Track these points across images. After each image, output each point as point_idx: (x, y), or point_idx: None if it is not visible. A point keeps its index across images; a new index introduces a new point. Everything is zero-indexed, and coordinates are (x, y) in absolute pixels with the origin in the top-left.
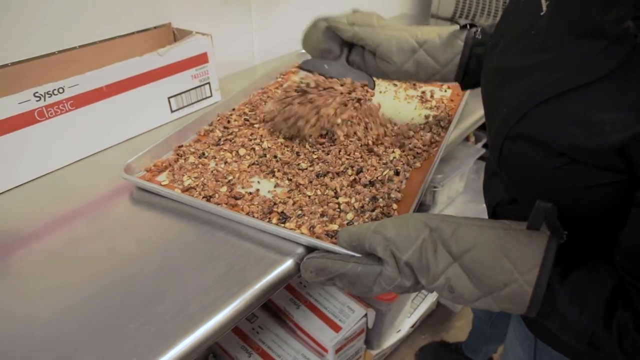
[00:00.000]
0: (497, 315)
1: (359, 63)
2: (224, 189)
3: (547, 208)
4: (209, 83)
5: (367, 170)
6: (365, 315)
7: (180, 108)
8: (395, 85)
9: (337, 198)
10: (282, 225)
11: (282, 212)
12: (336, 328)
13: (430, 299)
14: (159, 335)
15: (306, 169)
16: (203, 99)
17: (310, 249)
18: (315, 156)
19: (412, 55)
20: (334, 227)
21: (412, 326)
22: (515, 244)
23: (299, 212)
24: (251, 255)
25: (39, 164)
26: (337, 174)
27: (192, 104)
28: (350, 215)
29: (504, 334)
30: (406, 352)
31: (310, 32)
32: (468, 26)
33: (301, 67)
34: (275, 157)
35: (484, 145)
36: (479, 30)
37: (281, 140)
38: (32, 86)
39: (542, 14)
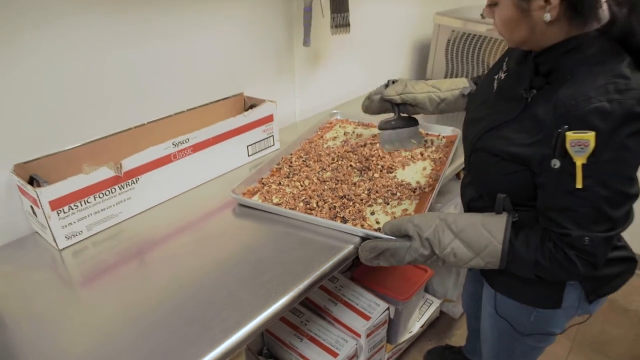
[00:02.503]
0: (477, 310)
1: (406, 111)
2: (301, 204)
3: (503, 198)
4: (272, 136)
5: (392, 191)
6: (388, 309)
7: (254, 153)
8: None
9: (374, 207)
10: (344, 224)
11: (343, 217)
12: (366, 318)
13: (434, 306)
14: (245, 307)
15: (356, 193)
16: (269, 147)
17: (364, 239)
18: (362, 184)
19: (437, 107)
20: (377, 222)
21: (422, 327)
22: (489, 221)
23: (353, 217)
24: (324, 245)
25: (170, 190)
26: (377, 194)
27: (262, 150)
28: (381, 216)
29: None
30: (416, 356)
31: (369, 104)
32: (466, 95)
33: (380, 128)
34: (333, 182)
35: None
36: (474, 89)
37: (329, 174)
38: (155, 140)
39: (493, 91)
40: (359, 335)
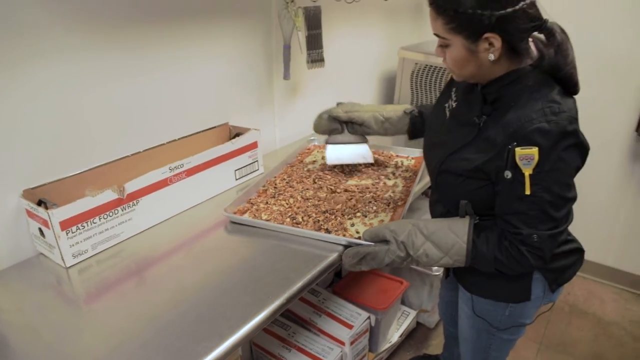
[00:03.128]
0: (455, 318)
1: (353, 130)
2: (288, 219)
3: (465, 204)
4: (257, 161)
5: (369, 204)
6: (369, 317)
7: (241, 177)
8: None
9: (353, 219)
10: (328, 234)
11: (327, 228)
12: (349, 326)
13: (411, 317)
14: (246, 307)
15: (335, 206)
16: (254, 171)
17: (346, 247)
18: (341, 198)
19: (382, 125)
20: (357, 232)
21: (400, 336)
22: (455, 224)
23: (335, 228)
24: (311, 254)
25: (167, 211)
26: (355, 208)
27: (248, 174)
28: (360, 227)
29: None
30: None
31: (318, 122)
32: (409, 112)
33: (327, 142)
34: (316, 200)
35: None
36: (417, 111)
37: (311, 192)
38: (151, 166)
39: (446, 118)
40: (343, 343)
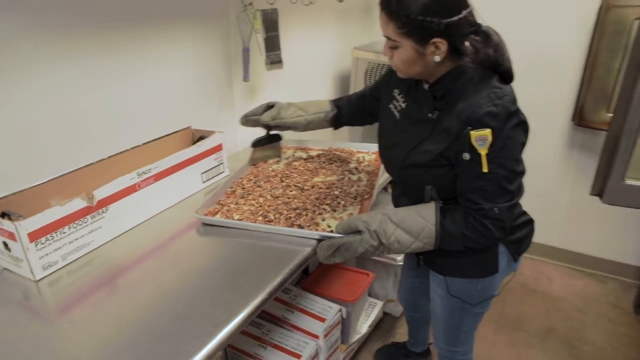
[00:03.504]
0: (417, 303)
1: (278, 130)
2: (260, 218)
3: (430, 189)
4: (222, 163)
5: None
6: (340, 310)
7: (208, 180)
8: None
9: (324, 214)
10: (301, 229)
11: (299, 224)
12: (322, 320)
13: (378, 308)
14: (230, 304)
15: (305, 203)
16: (220, 174)
17: (319, 241)
18: (310, 195)
19: (306, 126)
20: (329, 226)
21: (369, 327)
22: (422, 209)
23: (308, 223)
24: (286, 250)
25: (137, 217)
26: (324, 203)
27: (214, 177)
28: (331, 222)
29: (427, 316)
30: (366, 356)
31: (245, 122)
32: (330, 112)
33: (253, 145)
34: (285, 198)
35: None
36: (335, 112)
37: (280, 191)
38: (116, 173)
39: (397, 118)
40: (317, 337)
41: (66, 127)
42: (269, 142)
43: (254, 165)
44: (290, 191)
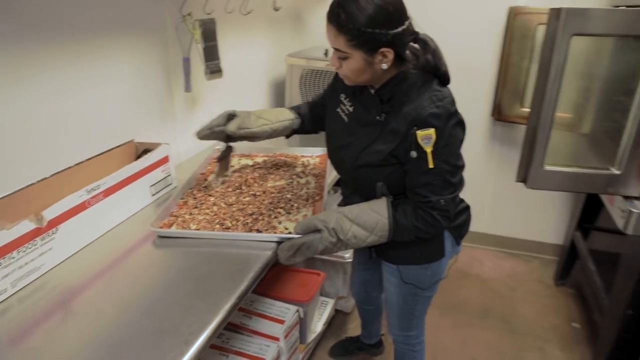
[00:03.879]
0: (370, 295)
1: (240, 139)
2: (217, 226)
3: (381, 185)
4: (170, 174)
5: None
6: (298, 310)
7: (156, 193)
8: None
9: (279, 218)
10: (261, 233)
11: (257, 229)
12: (281, 322)
13: (330, 305)
14: (202, 311)
15: (260, 208)
16: (168, 186)
17: (279, 243)
18: (264, 201)
19: (270, 135)
20: (286, 228)
21: (324, 324)
22: (375, 204)
23: (265, 227)
24: (248, 255)
25: (88, 235)
26: (278, 207)
27: (162, 189)
28: (287, 224)
29: (379, 308)
30: (321, 354)
31: (209, 134)
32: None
33: (219, 159)
34: (240, 204)
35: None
36: (299, 121)
37: (233, 198)
38: (60, 192)
39: (345, 122)
40: (277, 339)
41: (2, 147)
42: (228, 154)
43: (202, 174)
44: (244, 197)
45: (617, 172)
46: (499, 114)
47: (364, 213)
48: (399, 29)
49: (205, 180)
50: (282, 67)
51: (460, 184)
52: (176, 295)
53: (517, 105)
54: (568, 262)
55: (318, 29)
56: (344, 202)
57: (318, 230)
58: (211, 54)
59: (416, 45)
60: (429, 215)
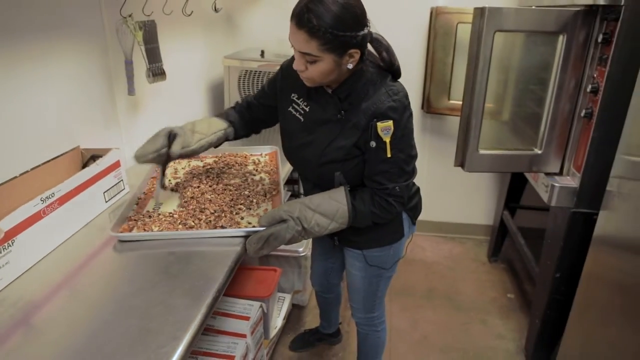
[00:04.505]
0: (331, 283)
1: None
2: (180, 226)
3: (339, 175)
4: (122, 180)
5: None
6: (261, 305)
7: (110, 199)
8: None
9: (241, 214)
10: (226, 229)
11: (222, 225)
12: (246, 319)
13: (287, 300)
14: (185, 308)
15: (221, 206)
16: (121, 191)
17: (246, 237)
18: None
19: (205, 150)
20: (249, 222)
21: (284, 319)
22: (334, 193)
23: (229, 224)
24: (217, 251)
25: (45, 246)
26: (238, 204)
27: (115, 195)
28: (250, 219)
29: (338, 296)
30: (282, 349)
31: (155, 157)
32: (227, 128)
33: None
34: (199, 205)
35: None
36: (234, 131)
37: (190, 199)
38: (7, 203)
39: (301, 121)
40: (244, 336)
41: None
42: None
43: (153, 177)
44: (204, 196)
45: (539, 152)
46: (428, 106)
47: (324, 202)
48: (365, 30)
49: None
50: (220, 68)
51: (413, 172)
52: (153, 295)
53: (445, 97)
54: (499, 239)
55: (252, 30)
56: (306, 195)
57: (284, 221)
58: (153, 56)
59: (373, 44)
60: (384, 202)
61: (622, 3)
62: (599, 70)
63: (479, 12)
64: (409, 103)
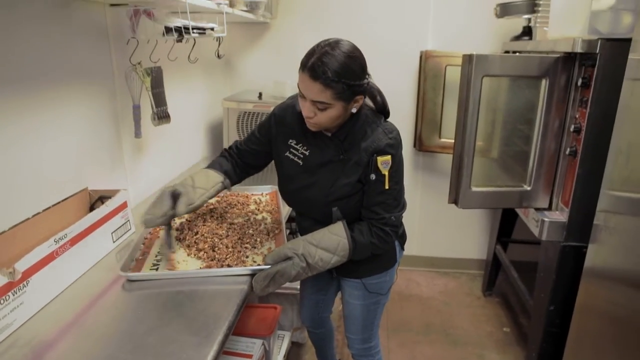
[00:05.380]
0: (322, 317)
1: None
2: (187, 265)
3: (335, 210)
4: (129, 220)
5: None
6: (263, 343)
7: (117, 239)
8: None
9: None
10: (233, 268)
11: (228, 264)
12: (249, 356)
13: (287, 338)
14: (198, 345)
15: (227, 245)
16: (127, 231)
17: (252, 275)
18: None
19: (207, 201)
20: (254, 261)
21: (284, 356)
22: (333, 228)
23: (236, 262)
24: (225, 290)
25: (58, 286)
26: (244, 242)
27: (122, 235)
28: (255, 257)
29: (330, 330)
30: None
31: (164, 220)
32: (224, 181)
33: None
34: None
35: None
36: (228, 181)
37: (196, 239)
38: (20, 245)
39: (300, 164)
40: None
41: None
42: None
43: None
44: (209, 235)
45: (528, 188)
46: (420, 145)
47: (325, 237)
48: (369, 77)
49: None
50: (219, 110)
51: (404, 203)
52: (166, 334)
53: (436, 136)
54: (492, 273)
55: (250, 73)
56: (306, 232)
57: (289, 258)
58: (159, 101)
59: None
60: (382, 232)
61: (597, 51)
62: (581, 111)
63: (467, 59)
64: (401, 139)
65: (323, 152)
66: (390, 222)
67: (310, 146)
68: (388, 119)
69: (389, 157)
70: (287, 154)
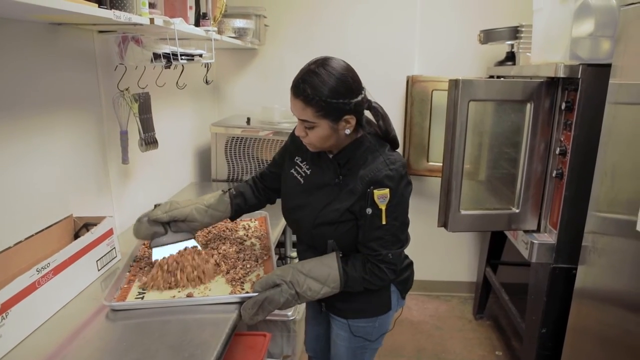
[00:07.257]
0: (324, 348)
1: (178, 229)
2: (173, 293)
3: (332, 242)
4: (114, 248)
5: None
6: None
7: (102, 267)
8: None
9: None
10: (221, 296)
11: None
12: None
13: None
14: None
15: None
16: (113, 259)
17: (240, 303)
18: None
19: (206, 214)
20: (242, 289)
21: None
22: (326, 259)
23: (225, 290)
24: (211, 319)
25: (39, 317)
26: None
27: (108, 263)
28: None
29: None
30: None
31: (138, 227)
32: (226, 191)
33: (151, 246)
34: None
35: None
36: (233, 190)
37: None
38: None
39: (301, 183)
40: None
41: None
42: (173, 241)
43: (144, 245)
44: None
45: (517, 210)
46: (408, 168)
47: (316, 267)
48: (359, 98)
49: (149, 250)
50: (207, 135)
51: (406, 240)
52: None
53: (424, 159)
54: (483, 296)
55: (235, 98)
56: (299, 258)
57: (277, 285)
58: (147, 126)
59: (371, 112)
60: (376, 268)
61: (579, 76)
62: (565, 134)
63: (454, 84)
64: (407, 173)
65: (323, 173)
66: (387, 259)
67: (313, 166)
68: (397, 150)
69: (386, 190)
70: (292, 170)
